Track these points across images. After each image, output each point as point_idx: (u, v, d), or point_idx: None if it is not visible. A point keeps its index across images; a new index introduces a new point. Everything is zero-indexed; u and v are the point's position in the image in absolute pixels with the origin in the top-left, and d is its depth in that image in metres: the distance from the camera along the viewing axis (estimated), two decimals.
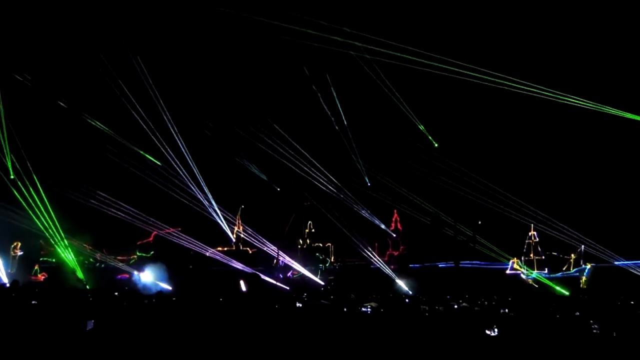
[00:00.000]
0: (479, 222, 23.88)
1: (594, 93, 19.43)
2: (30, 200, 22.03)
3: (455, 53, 20.00)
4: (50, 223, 22.37)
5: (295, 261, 24.60)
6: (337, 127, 24.42)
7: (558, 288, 21.83)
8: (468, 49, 20.83)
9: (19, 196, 22.03)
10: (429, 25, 21.46)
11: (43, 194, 22.11)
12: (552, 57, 21.19)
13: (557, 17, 20.32)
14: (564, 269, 23.33)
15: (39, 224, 22.25)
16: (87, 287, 22.17)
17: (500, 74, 19.62)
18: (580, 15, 19.88)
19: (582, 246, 22.84)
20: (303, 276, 24.08)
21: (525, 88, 19.59)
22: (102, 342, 7.71)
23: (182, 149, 23.00)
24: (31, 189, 22.01)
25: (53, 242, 23.03)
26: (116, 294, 15.17)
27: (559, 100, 19.48)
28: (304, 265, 24.65)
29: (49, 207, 22.23)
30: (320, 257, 24.83)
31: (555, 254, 23.46)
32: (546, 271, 23.36)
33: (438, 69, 19.89)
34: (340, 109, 24.21)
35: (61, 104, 23.28)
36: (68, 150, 23.85)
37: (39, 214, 22.12)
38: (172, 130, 22.75)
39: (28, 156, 22.44)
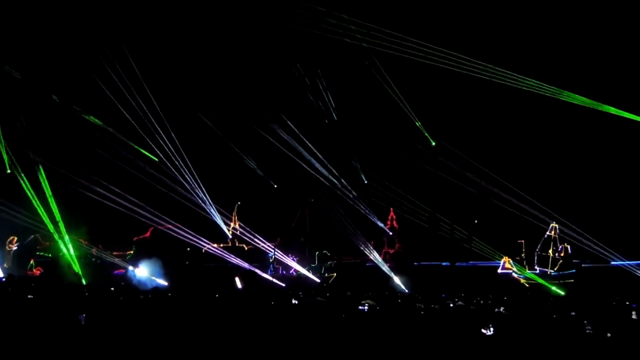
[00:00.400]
0: (475, 222, 23.92)
1: (596, 91, 19.49)
2: (34, 195, 22.04)
3: (458, 47, 20.00)
4: (56, 217, 22.38)
5: (297, 258, 24.57)
6: (327, 121, 24.42)
7: (553, 288, 21.87)
8: (471, 42, 20.81)
9: (26, 190, 22.03)
10: (431, 16, 21.41)
11: (49, 188, 22.13)
12: (555, 52, 21.19)
13: (562, 11, 20.32)
14: (555, 268, 23.35)
15: (44, 218, 22.26)
16: (83, 281, 22.12)
17: (502, 69, 19.64)
18: (585, 11, 19.90)
19: (575, 246, 22.89)
20: (300, 273, 24.10)
21: (526, 84, 19.62)
22: (97, 337, 7.70)
23: (174, 144, 23.02)
24: (44, 183, 21.98)
25: (56, 237, 23.00)
26: (112, 289, 15.12)
27: (560, 98, 19.52)
28: (308, 263, 24.65)
29: (53, 202, 22.24)
30: (322, 255, 24.80)
31: (547, 253, 23.49)
32: (537, 270, 23.41)
33: (439, 63, 19.89)
34: (333, 104, 24.22)
35: (54, 97, 23.25)
36: (62, 145, 23.80)
37: (41, 208, 22.13)
38: (166, 124, 22.76)
39: (29, 150, 22.47)
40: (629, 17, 19.57)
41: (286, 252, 24.66)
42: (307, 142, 24.58)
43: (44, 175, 22.29)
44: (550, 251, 23.14)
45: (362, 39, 20.82)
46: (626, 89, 20.36)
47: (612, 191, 22.58)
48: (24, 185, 22.19)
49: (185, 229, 23.87)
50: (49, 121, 23.24)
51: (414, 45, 19.98)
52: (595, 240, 21.67)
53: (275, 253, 24.24)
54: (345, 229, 24.00)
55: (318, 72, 23.65)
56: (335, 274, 23.45)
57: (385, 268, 23.40)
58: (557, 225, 23.14)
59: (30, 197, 22.12)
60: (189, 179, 23.45)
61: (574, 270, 22.63)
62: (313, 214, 25.55)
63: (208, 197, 23.88)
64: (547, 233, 23.22)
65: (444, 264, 23.87)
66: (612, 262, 21.79)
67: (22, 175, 22.34)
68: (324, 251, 24.91)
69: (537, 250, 23.39)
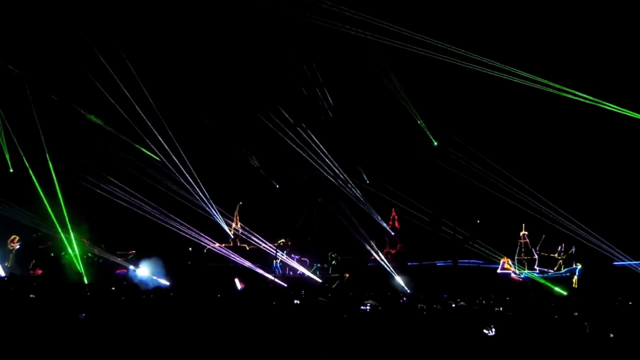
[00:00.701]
0: (478, 222, 23.88)
1: (599, 89, 19.38)
2: (42, 194, 22.08)
3: (461, 43, 19.86)
4: (64, 216, 22.43)
5: (303, 258, 24.54)
6: (323, 117, 24.34)
7: (556, 288, 21.82)
8: (474, 39, 20.66)
9: (37, 188, 22.06)
10: (435, 12, 21.27)
11: (58, 187, 22.19)
12: (558, 50, 21.10)
13: (565, 10, 20.24)
14: (554, 269, 23.35)
15: (53, 217, 22.31)
16: (85, 280, 22.15)
17: (505, 65, 19.52)
18: (587, 11, 19.82)
19: (574, 247, 22.84)
20: (302, 273, 24.08)
21: (530, 81, 19.51)
22: (99, 337, 7.69)
23: (175, 145, 23.02)
24: (55, 182, 22.01)
25: (62, 236, 23.03)
26: (113, 288, 15.14)
27: (564, 95, 19.41)
28: (314, 262, 24.64)
29: (62, 201, 22.29)
30: (332, 255, 24.82)
31: (546, 253, 23.49)
32: (537, 271, 23.39)
33: (442, 59, 19.76)
34: (332, 102, 24.15)
35: (53, 97, 23.28)
36: (65, 145, 23.81)
37: (48, 207, 22.17)
38: (167, 124, 22.76)
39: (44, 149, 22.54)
40: (630, 17, 19.52)
41: (291, 253, 24.66)
42: (310, 142, 24.51)
43: (54, 174, 22.34)
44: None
45: (361, 33, 20.67)
46: (630, 88, 20.27)
47: (616, 190, 22.45)
48: (35, 183, 22.22)
49: (187, 229, 23.87)
50: (51, 121, 23.25)
51: (418, 39, 19.81)
52: (600, 238, 21.51)
53: (277, 253, 24.23)
54: (347, 228, 23.95)
55: (313, 65, 23.47)
56: (338, 281, 23.40)
57: (387, 268, 23.38)
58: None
59: (41, 195, 22.15)
60: (190, 179, 23.45)
61: (573, 268, 22.65)
62: (320, 213, 25.46)
63: (209, 197, 23.87)
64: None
65: (445, 263, 23.84)
66: (615, 262, 21.69)
67: (32, 173, 22.36)
68: (332, 252, 24.93)
69: (537, 251, 23.40)
